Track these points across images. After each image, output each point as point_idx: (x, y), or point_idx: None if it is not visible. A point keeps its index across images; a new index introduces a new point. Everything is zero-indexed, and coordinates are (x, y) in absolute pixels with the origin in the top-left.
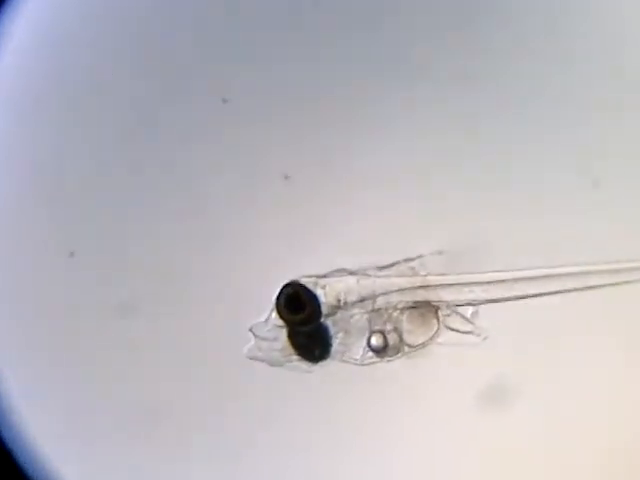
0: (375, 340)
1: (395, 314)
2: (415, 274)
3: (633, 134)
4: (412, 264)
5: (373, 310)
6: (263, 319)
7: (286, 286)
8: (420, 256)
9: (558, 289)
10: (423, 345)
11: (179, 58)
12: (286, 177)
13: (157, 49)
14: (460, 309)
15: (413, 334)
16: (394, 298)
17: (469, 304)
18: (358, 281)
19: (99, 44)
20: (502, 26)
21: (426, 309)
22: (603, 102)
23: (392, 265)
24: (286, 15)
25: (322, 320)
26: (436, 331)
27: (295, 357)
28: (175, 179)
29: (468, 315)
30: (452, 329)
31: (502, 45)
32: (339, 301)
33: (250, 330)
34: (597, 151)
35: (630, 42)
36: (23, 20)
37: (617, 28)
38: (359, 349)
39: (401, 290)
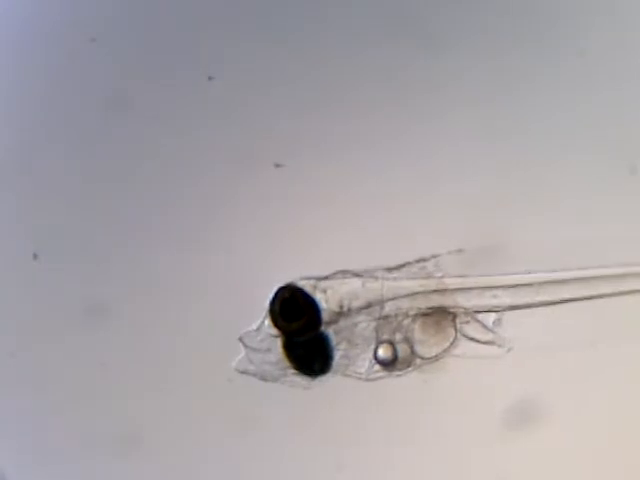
0: (383, 352)
1: (406, 322)
2: (429, 276)
3: None
4: (426, 265)
5: (381, 317)
6: (255, 327)
7: (281, 289)
8: (435, 256)
9: (591, 294)
10: (437, 357)
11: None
12: (277, 165)
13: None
14: (481, 316)
15: (426, 345)
16: (405, 304)
17: (491, 311)
18: (364, 284)
19: (78, 24)
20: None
21: (441, 316)
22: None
23: (403, 266)
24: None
25: (322, 329)
26: (453, 342)
27: (291, 371)
28: (161, 174)
29: (490, 323)
30: (471, 339)
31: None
32: (342, 307)
33: (240, 340)
34: (629, 147)
35: None
36: None
37: None
38: (364, 362)
39: (413, 295)
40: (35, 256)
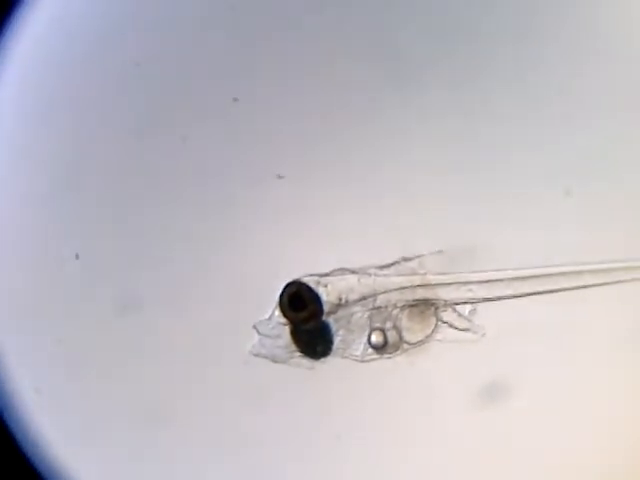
0: (375, 337)
1: (395, 312)
2: (414, 273)
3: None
4: (411, 263)
5: (373, 308)
6: (267, 317)
7: (289, 285)
8: (419, 256)
9: (554, 288)
10: (422, 342)
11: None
12: (279, 176)
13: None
14: (458, 307)
15: (412, 332)
16: (394, 296)
17: (467, 302)
18: (359, 280)
19: (106, 51)
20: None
21: (425, 307)
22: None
23: (392, 264)
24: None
25: (324, 318)
26: (434, 329)
27: (298, 354)
28: (180, 181)
29: (466, 313)
30: (450, 326)
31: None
32: (340, 299)
33: (254, 327)
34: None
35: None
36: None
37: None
38: (360, 346)
39: (401, 289)
40: (77, 256)
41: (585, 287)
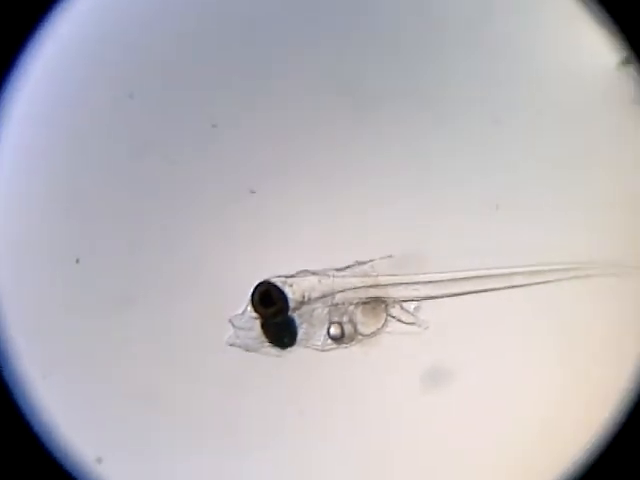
0: (334, 330)
1: (350, 308)
2: (367, 275)
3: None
4: (365, 267)
5: (332, 305)
6: (240, 312)
7: (260, 284)
8: (371, 260)
9: (488, 287)
10: (373, 334)
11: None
12: (251, 192)
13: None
14: (405, 304)
15: (365, 325)
16: (350, 295)
17: (413, 300)
18: (320, 281)
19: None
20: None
21: (376, 304)
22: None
23: (348, 267)
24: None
25: (290, 313)
26: (385, 323)
27: (267, 344)
28: (167, 196)
29: (412, 309)
30: (398, 320)
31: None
32: (304, 297)
33: (229, 321)
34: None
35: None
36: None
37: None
38: (320, 337)
39: (356, 288)
40: (77, 260)
41: (514, 287)
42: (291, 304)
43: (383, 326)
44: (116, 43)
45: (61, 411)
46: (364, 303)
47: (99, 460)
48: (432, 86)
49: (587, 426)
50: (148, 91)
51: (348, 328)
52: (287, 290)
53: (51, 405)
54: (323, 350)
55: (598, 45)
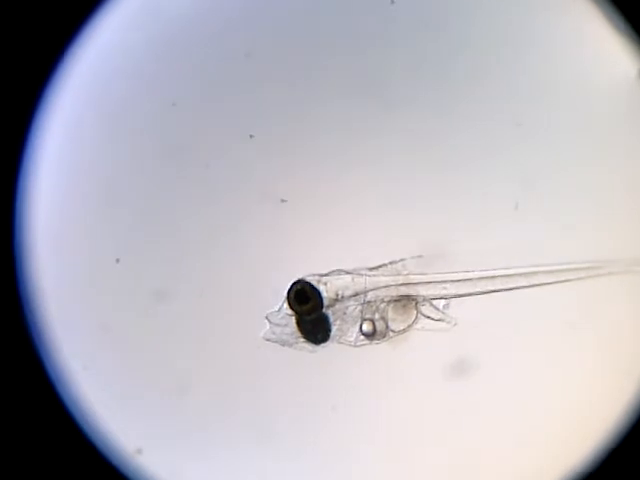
0: (366, 327)
1: (382, 306)
2: (399, 274)
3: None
4: (396, 266)
5: (364, 302)
6: (276, 309)
7: (295, 283)
8: (403, 259)
9: (512, 286)
10: (404, 331)
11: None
12: (282, 200)
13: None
14: (434, 302)
15: (396, 322)
16: (381, 293)
17: (442, 298)
18: (353, 279)
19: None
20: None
21: (407, 302)
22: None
23: (380, 266)
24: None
25: (324, 310)
26: (415, 320)
27: (302, 340)
28: (205, 196)
29: (441, 307)
30: (427, 317)
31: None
32: (337, 295)
33: (266, 318)
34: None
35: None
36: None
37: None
38: (353, 334)
39: (387, 286)
40: (117, 260)
41: (538, 285)
42: (325, 302)
43: (413, 323)
44: (160, 54)
45: (102, 403)
46: (395, 301)
47: (139, 451)
48: (458, 89)
49: (611, 423)
50: (190, 100)
51: (380, 325)
52: (321, 288)
53: (92, 396)
54: (355, 346)
55: (619, 54)
